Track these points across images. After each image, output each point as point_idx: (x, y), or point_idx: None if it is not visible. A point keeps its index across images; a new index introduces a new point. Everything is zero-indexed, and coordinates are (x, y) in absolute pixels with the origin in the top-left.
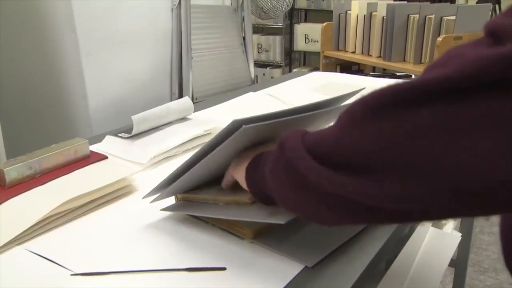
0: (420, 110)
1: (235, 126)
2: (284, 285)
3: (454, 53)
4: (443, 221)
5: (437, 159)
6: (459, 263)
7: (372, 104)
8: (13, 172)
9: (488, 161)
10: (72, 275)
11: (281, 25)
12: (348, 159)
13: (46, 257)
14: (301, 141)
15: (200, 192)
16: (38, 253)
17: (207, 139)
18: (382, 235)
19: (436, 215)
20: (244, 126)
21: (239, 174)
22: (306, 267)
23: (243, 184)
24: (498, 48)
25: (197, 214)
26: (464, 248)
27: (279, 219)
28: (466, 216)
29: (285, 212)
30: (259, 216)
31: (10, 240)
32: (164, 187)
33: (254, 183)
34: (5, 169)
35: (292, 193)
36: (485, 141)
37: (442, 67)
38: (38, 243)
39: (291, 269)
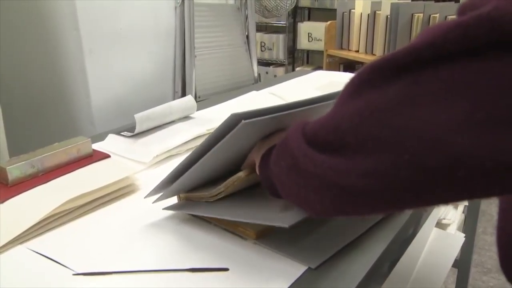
0: (389, 84)
1: (234, 121)
2: (287, 286)
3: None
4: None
5: (399, 133)
6: (462, 264)
7: (354, 82)
8: (15, 170)
9: (445, 134)
10: (74, 274)
11: (284, 24)
12: (329, 139)
13: (48, 256)
14: (301, 128)
15: (202, 190)
16: (40, 252)
17: None
18: (386, 236)
19: (406, 196)
20: (243, 121)
21: (257, 160)
22: (309, 268)
23: (257, 170)
24: (458, 18)
25: (199, 214)
26: (467, 248)
27: (283, 223)
28: (435, 200)
29: (289, 215)
30: (262, 218)
31: (12, 239)
32: (165, 186)
33: (264, 171)
34: (7, 168)
35: (287, 178)
36: (443, 114)
37: (414, 40)
38: (40, 242)
39: (294, 270)
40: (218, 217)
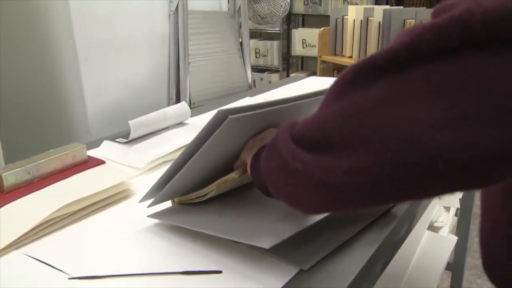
0: (371, 85)
1: (221, 117)
2: (279, 287)
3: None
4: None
5: (381, 131)
6: (455, 267)
7: (338, 84)
8: (11, 177)
9: (424, 131)
10: (69, 278)
11: (278, 30)
12: (316, 139)
13: (44, 261)
14: (289, 129)
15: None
16: (36, 257)
17: None
18: (376, 237)
19: (391, 191)
20: (230, 117)
21: (248, 160)
22: (301, 270)
23: (249, 171)
24: (432, 20)
25: (181, 225)
26: (460, 251)
27: (264, 243)
28: (419, 194)
29: (275, 233)
30: (243, 236)
31: (8, 245)
32: (157, 191)
33: (256, 172)
34: (3, 174)
35: (277, 178)
36: (422, 112)
37: (392, 42)
38: (35, 248)
39: (286, 272)
40: (200, 230)
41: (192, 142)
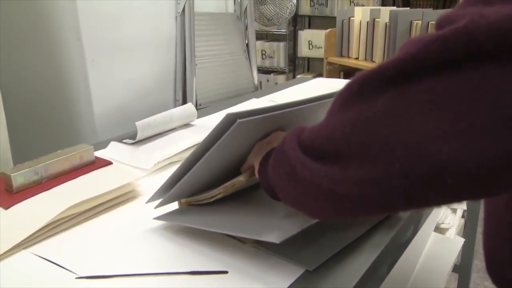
0: (378, 96)
1: (230, 120)
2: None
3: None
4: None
5: (389, 142)
6: (463, 269)
7: (345, 94)
8: (20, 177)
9: (432, 143)
10: (77, 278)
11: (285, 32)
12: (324, 148)
13: (52, 260)
14: (297, 135)
15: (202, 194)
16: (44, 257)
17: None
18: (382, 239)
19: (399, 201)
20: (238, 120)
21: (256, 163)
22: (306, 270)
23: (257, 175)
24: (437, 31)
25: (188, 225)
26: (467, 253)
27: (273, 238)
28: (427, 204)
29: (282, 229)
30: (252, 232)
31: (17, 244)
32: (164, 192)
33: (264, 176)
34: (12, 175)
35: (285, 185)
36: (429, 124)
37: (398, 52)
38: (44, 247)
39: (292, 272)
40: (207, 229)
41: (200, 144)
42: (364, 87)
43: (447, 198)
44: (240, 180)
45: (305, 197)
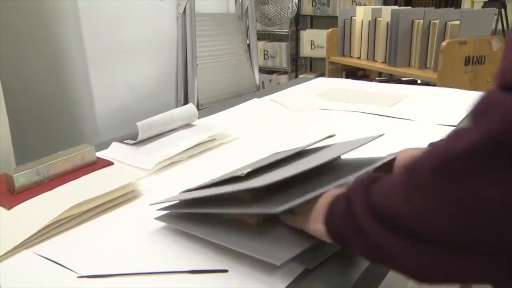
0: (480, 181)
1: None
2: (284, 286)
3: (491, 100)
4: None
5: (504, 235)
6: None
7: (435, 170)
8: (22, 178)
9: None
10: (78, 277)
11: (287, 32)
12: (412, 227)
13: (54, 260)
14: (366, 199)
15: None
16: (46, 256)
17: (211, 145)
18: None
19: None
20: (276, 210)
21: (311, 227)
22: (306, 269)
23: (322, 236)
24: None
25: (187, 231)
26: None
27: (274, 260)
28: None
29: (282, 250)
30: (255, 251)
31: (19, 244)
32: (175, 207)
33: (337, 237)
34: (14, 175)
35: (362, 246)
36: None
37: (482, 118)
38: (46, 247)
39: (291, 271)
40: (206, 238)
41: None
42: (460, 167)
43: None
44: (251, 224)
45: (372, 254)
